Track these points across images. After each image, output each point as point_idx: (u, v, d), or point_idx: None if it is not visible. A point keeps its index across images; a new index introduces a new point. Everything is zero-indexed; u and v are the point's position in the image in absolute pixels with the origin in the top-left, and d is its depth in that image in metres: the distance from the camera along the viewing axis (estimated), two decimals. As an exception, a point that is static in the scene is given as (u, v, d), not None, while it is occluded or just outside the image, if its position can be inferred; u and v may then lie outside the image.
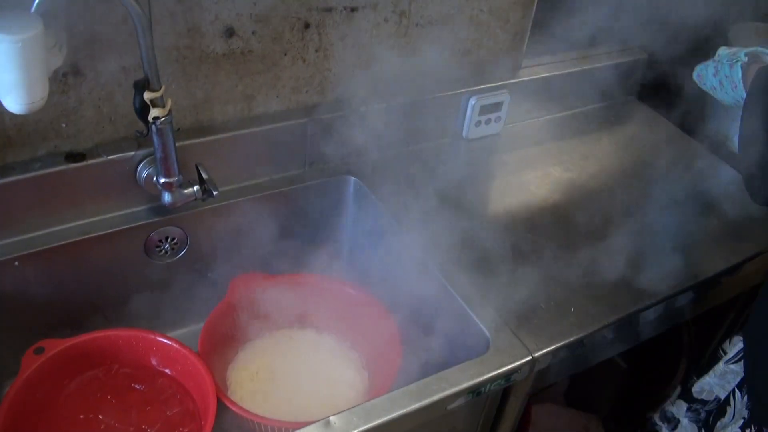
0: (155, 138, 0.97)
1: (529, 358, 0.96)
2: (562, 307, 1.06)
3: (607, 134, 1.52)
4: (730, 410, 1.12)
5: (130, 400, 1.05)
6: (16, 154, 1.02)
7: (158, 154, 0.99)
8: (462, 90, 1.33)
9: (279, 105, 1.18)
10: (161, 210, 1.12)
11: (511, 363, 0.95)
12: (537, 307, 1.05)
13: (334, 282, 1.17)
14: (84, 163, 1.04)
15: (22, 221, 1.05)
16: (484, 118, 1.36)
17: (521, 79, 1.41)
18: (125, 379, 1.07)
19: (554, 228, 1.21)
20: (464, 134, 1.38)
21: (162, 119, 0.94)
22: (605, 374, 1.66)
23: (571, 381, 1.72)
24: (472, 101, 1.33)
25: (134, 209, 1.12)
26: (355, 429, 0.83)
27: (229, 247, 1.17)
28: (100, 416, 1.03)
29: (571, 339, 1.01)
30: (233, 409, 0.95)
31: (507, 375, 0.95)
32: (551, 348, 0.99)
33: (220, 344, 1.10)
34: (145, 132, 0.97)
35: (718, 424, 1.15)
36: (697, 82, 1.17)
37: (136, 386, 1.07)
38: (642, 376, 1.65)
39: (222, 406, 0.96)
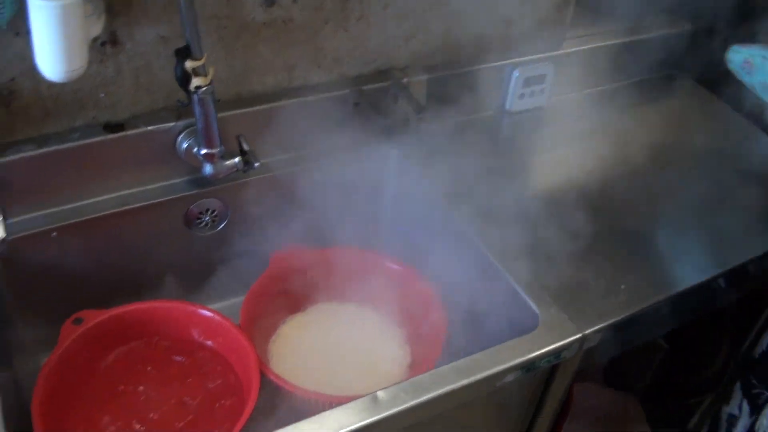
0: (197, 108, 0.95)
1: (579, 335, 0.94)
2: (612, 284, 1.03)
3: (653, 108, 1.48)
4: None
5: (170, 372, 1.05)
6: (54, 125, 1.02)
7: (200, 125, 0.97)
8: (505, 61, 1.30)
9: (320, 76, 1.15)
10: (201, 182, 1.10)
11: (560, 340, 0.92)
12: (586, 284, 1.02)
13: (377, 256, 1.15)
14: (123, 133, 1.03)
15: (60, 192, 1.04)
16: (527, 90, 1.33)
17: (565, 51, 1.37)
18: (165, 351, 1.06)
19: (601, 203, 1.18)
20: (507, 106, 1.35)
21: (204, 88, 0.92)
22: (646, 354, 1.64)
23: (610, 360, 1.69)
24: (516, 73, 1.30)
25: (174, 181, 1.10)
26: (402, 404, 0.82)
27: (269, 219, 1.15)
28: (140, 388, 1.03)
29: (622, 317, 0.98)
30: (277, 382, 0.94)
31: (557, 352, 0.92)
32: (601, 325, 0.96)
33: (261, 318, 1.09)
34: (186, 102, 0.95)
35: None
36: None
37: (177, 358, 1.06)
38: (683, 358, 1.62)
39: (263, 380, 0.94)
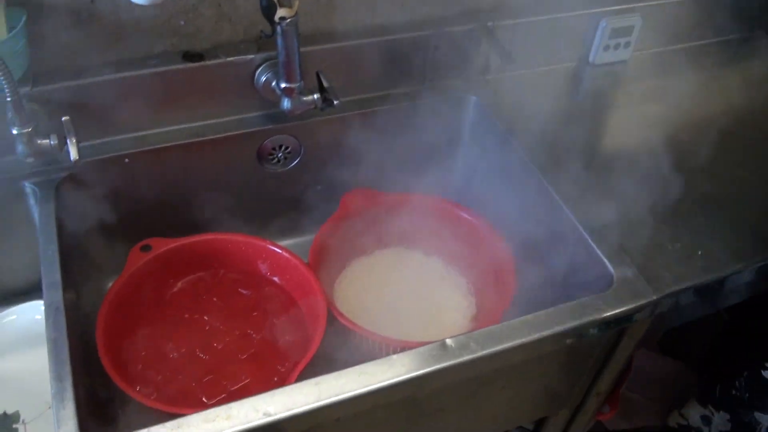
0: (279, 40, 0.93)
1: (654, 298, 0.91)
2: (689, 249, 0.99)
3: (740, 69, 1.41)
4: None
5: (236, 304, 1.06)
6: (132, 50, 1.01)
7: (281, 58, 0.95)
8: (593, 10, 1.25)
9: (403, 15, 1.12)
10: (276, 117, 1.09)
11: (634, 302, 0.89)
12: (663, 247, 0.98)
13: (448, 204, 1.13)
14: (202, 63, 1.02)
15: (134, 118, 1.05)
16: (613, 42, 1.28)
17: (655, 3, 1.31)
18: (232, 283, 1.07)
19: (681, 165, 1.13)
20: (591, 59, 1.30)
21: (288, 20, 0.90)
22: (705, 325, 1.60)
23: (668, 329, 1.67)
24: (603, 23, 1.25)
25: (248, 115, 1.10)
26: (471, 354, 0.80)
27: (342, 160, 1.14)
28: (205, 317, 1.04)
29: (697, 282, 0.94)
30: (344, 323, 0.94)
31: (630, 314, 0.90)
32: (676, 289, 0.93)
33: (329, 258, 1.08)
34: (269, 33, 0.94)
35: None
36: None
37: (243, 291, 1.07)
38: (744, 332, 1.58)
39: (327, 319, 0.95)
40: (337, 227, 1.08)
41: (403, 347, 0.89)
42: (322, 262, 1.06)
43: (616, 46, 1.29)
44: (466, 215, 1.12)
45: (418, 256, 1.17)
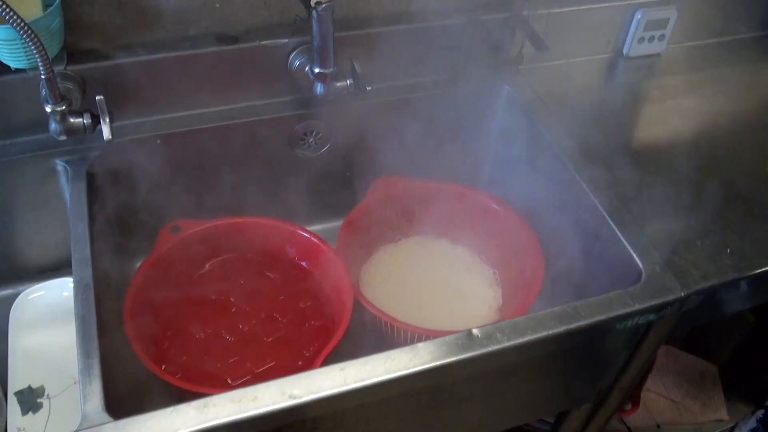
0: (315, 25, 0.93)
1: (681, 294, 0.90)
2: (718, 246, 0.98)
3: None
4: None
5: (262, 287, 1.06)
6: (167, 31, 1.02)
7: (316, 43, 0.95)
8: (629, 1, 1.23)
9: (438, 2, 1.11)
10: (308, 103, 1.09)
11: (663, 297, 0.89)
12: (692, 244, 0.97)
13: (477, 194, 1.13)
14: (236, 46, 1.03)
15: (167, 100, 1.05)
16: (647, 34, 1.26)
17: (690, -5, 1.29)
18: (259, 266, 1.08)
19: (712, 162, 1.11)
20: (625, 51, 1.28)
21: (324, 5, 0.90)
22: (730, 325, 1.59)
23: (692, 327, 1.65)
24: (638, 15, 1.23)
25: (281, 99, 1.10)
26: (497, 344, 0.80)
27: (372, 147, 1.14)
28: (232, 299, 1.05)
29: (725, 280, 0.93)
30: (370, 309, 0.94)
31: (657, 309, 0.89)
32: (704, 286, 0.92)
33: (356, 244, 1.09)
34: (305, 17, 0.94)
35: None
36: None
37: (270, 275, 1.07)
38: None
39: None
40: (366, 213, 1.09)
41: (428, 335, 0.90)
42: (350, 248, 1.06)
43: (651, 39, 1.27)
44: (494, 206, 1.11)
45: (446, 245, 1.17)
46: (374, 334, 0.98)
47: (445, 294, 1.09)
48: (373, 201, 1.09)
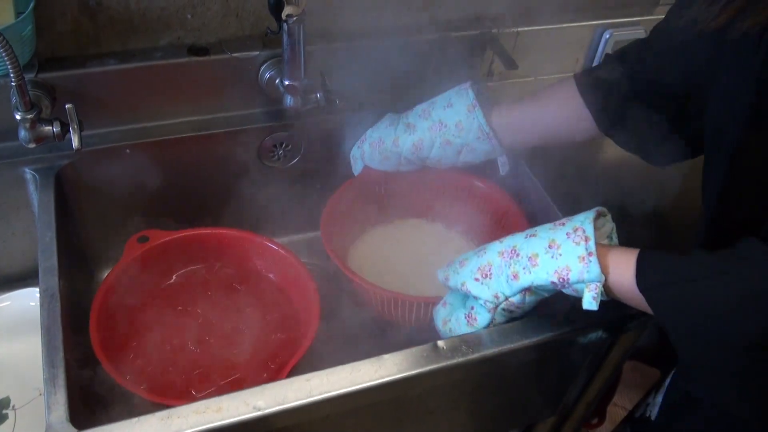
0: (285, 37, 0.93)
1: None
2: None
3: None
4: None
5: (230, 299, 1.06)
6: (138, 41, 1.02)
7: (286, 55, 0.96)
8: (597, 21, 1.25)
9: (409, 17, 1.12)
10: (278, 115, 1.10)
11: (627, 311, 0.90)
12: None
13: (469, 177, 1.13)
14: (207, 57, 1.03)
15: (137, 110, 1.05)
16: (615, 55, 1.28)
17: (659, 17, 1.31)
18: (227, 278, 1.08)
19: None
20: (593, 70, 1.30)
21: (295, 18, 0.91)
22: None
23: (658, 342, 1.68)
24: (606, 35, 1.25)
25: (251, 111, 1.10)
26: (462, 357, 0.80)
27: (342, 160, 1.14)
28: (199, 310, 1.04)
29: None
30: (355, 280, 0.95)
31: (622, 324, 0.90)
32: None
33: (344, 220, 1.10)
34: (275, 30, 0.94)
35: None
36: None
37: (238, 286, 1.07)
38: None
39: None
40: (356, 189, 1.10)
41: (411, 302, 0.91)
42: (336, 224, 1.07)
43: (619, 60, 1.29)
44: (494, 193, 1.12)
45: (439, 229, 1.18)
46: (342, 347, 0.98)
47: (435, 278, 1.08)
48: (364, 179, 1.11)
